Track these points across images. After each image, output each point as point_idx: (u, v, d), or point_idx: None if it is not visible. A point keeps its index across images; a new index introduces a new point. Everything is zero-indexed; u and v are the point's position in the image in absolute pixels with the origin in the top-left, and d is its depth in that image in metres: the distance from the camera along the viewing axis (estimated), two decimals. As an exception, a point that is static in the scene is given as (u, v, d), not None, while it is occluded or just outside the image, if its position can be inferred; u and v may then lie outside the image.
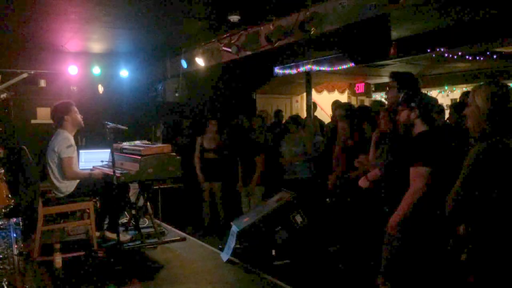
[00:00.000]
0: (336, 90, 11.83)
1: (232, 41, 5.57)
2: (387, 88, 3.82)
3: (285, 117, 8.95)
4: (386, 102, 4.64)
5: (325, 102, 10.86)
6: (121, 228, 5.06)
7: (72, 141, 4.74)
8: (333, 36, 4.76)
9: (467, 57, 7.97)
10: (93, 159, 5.47)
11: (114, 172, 4.42)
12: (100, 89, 7.79)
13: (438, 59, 8.29)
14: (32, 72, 7.03)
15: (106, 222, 5.09)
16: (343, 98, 11.47)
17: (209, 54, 6.17)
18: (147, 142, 5.44)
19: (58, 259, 4.36)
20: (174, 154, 4.95)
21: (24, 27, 5.55)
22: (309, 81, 9.43)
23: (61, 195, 4.70)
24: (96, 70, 7.49)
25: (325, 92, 11.82)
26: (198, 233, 5.97)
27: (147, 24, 5.51)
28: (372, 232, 3.56)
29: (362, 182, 3.82)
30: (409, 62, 8.66)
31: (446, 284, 2.79)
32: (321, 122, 7.58)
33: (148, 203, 5.27)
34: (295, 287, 3.97)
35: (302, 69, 8.80)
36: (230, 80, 8.69)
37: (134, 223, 5.22)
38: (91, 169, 5.09)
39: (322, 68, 8.64)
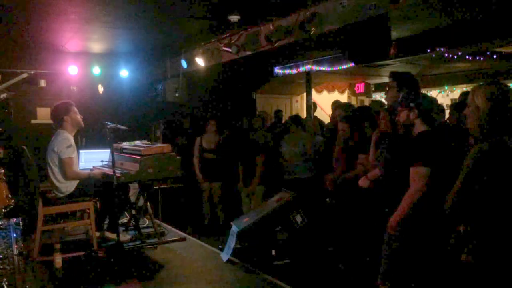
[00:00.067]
0: (336, 90, 11.84)
1: (232, 41, 5.57)
2: (387, 88, 3.81)
3: (285, 117, 8.96)
4: (386, 102, 4.65)
5: (325, 102, 10.86)
6: (121, 228, 5.06)
7: (72, 141, 4.74)
8: (333, 36, 4.76)
9: (467, 57, 7.97)
10: (93, 159, 5.47)
11: (114, 172, 4.42)
12: (100, 89, 7.79)
13: (438, 59, 8.29)
14: (32, 72, 7.04)
15: (106, 222, 5.10)
16: (343, 98, 11.47)
17: (209, 54, 6.17)
18: (147, 142, 5.44)
19: (58, 259, 4.36)
20: (174, 154, 4.96)
21: (24, 27, 5.55)
22: (309, 81, 9.43)
23: (61, 195, 4.70)
24: (96, 70, 7.49)
25: (325, 92, 11.82)
26: (198, 233, 5.97)
27: (147, 24, 5.51)
28: (372, 232, 3.56)
29: (363, 182, 3.83)
30: (409, 62, 8.66)
31: (446, 284, 2.79)
32: (321, 122, 7.59)
33: (148, 203, 5.28)
34: (295, 287, 3.97)
35: (302, 69, 8.80)
36: (230, 80, 8.69)
37: (134, 223, 5.23)
38: (91, 169, 5.10)
39: (322, 68, 8.64)
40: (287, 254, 4.66)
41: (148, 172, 4.68)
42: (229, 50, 5.51)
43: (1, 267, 3.39)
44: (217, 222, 6.41)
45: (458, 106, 4.84)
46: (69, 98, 5.67)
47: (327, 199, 4.92)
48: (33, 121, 7.59)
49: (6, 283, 3.36)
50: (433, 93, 10.99)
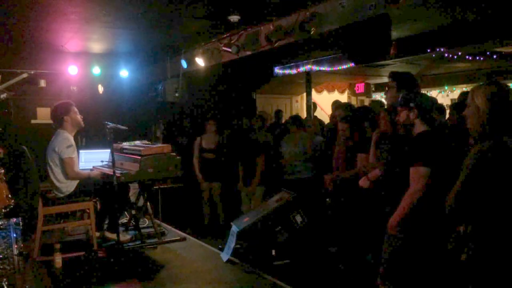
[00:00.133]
0: (336, 90, 11.84)
1: (232, 41, 5.57)
2: (386, 88, 3.82)
3: (285, 117, 8.96)
4: (386, 102, 4.65)
5: (325, 102, 10.86)
6: (121, 228, 5.06)
7: (72, 141, 4.74)
8: (333, 36, 4.75)
9: (467, 57, 7.97)
10: (93, 159, 5.47)
11: (114, 172, 4.42)
12: (100, 89, 7.79)
13: (438, 59, 8.29)
14: (32, 72, 7.04)
15: (106, 222, 5.10)
16: (343, 98, 11.48)
17: (209, 54, 6.16)
18: (147, 142, 5.44)
19: (58, 259, 4.36)
20: (174, 154, 4.96)
21: (24, 27, 5.55)
22: (309, 81, 9.43)
23: (61, 195, 4.70)
24: (96, 70, 7.49)
25: (325, 92, 11.82)
26: (198, 233, 5.97)
27: (147, 24, 5.51)
28: (372, 232, 3.56)
29: (363, 182, 3.82)
30: (409, 62, 8.66)
31: (446, 284, 2.79)
32: (321, 122, 7.58)
33: (148, 203, 5.28)
34: (295, 287, 3.97)
35: (302, 69, 8.80)
36: (230, 80, 8.68)
37: (134, 223, 5.23)
38: (91, 169, 5.10)
39: (322, 68, 8.64)
40: (287, 254, 4.66)
41: (148, 172, 4.68)
42: (229, 50, 5.51)
43: (1, 267, 3.40)
44: (217, 222, 6.41)
45: (457, 106, 4.84)
46: (69, 98, 5.67)
47: (327, 199, 4.92)
48: (33, 121, 7.59)
49: (6, 283, 3.36)
50: (433, 93, 10.99)
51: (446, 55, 7.59)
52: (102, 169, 4.98)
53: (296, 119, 5.86)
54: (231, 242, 4.69)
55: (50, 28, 5.66)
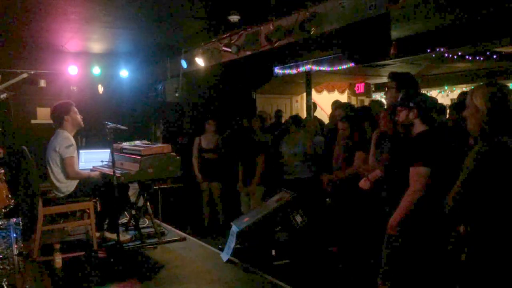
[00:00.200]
0: (336, 90, 11.84)
1: (232, 41, 5.57)
2: (386, 89, 3.82)
3: (285, 117, 8.96)
4: (386, 102, 4.65)
5: (325, 102, 10.87)
6: (121, 228, 5.06)
7: (73, 141, 4.74)
8: (333, 36, 4.76)
9: (467, 57, 7.97)
10: (93, 159, 5.47)
11: (114, 172, 4.42)
12: (100, 89, 7.79)
13: (438, 59, 8.29)
14: (32, 72, 7.04)
15: (106, 222, 5.10)
16: (343, 98, 11.48)
17: (209, 54, 6.17)
18: (147, 142, 5.44)
19: (58, 259, 4.36)
20: (174, 154, 4.96)
21: (24, 27, 5.55)
22: (309, 81, 9.44)
23: (61, 195, 4.70)
24: (96, 70, 7.49)
25: (325, 92, 11.82)
26: (198, 233, 5.96)
27: (147, 24, 5.51)
28: (372, 232, 3.56)
29: (363, 183, 3.82)
30: (409, 62, 8.66)
31: (446, 284, 2.79)
32: (321, 122, 7.58)
33: (148, 203, 5.28)
34: (295, 287, 3.97)
35: (302, 69, 8.80)
36: (230, 80, 8.68)
37: (134, 223, 5.23)
38: (91, 169, 5.10)
39: (322, 68, 8.65)
40: (287, 254, 4.66)
41: (148, 172, 4.68)
42: (229, 50, 5.51)
43: (1, 267, 3.40)
44: (217, 222, 6.41)
45: (457, 106, 4.84)
46: (69, 98, 5.66)
47: (327, 199, 4.93)
48: (33, 121, 7.59)
49: (6, 283, 3.36)
50: (433, 93, 10.99)
51: (446, 55, 7.59)
52: (102, 169, 4.98)
53: (296, 119, 5.86)
54: (231, 242, 4.69)
55: (50, 28, 5.66)
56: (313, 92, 10.25)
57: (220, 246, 5.03)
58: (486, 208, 2.15)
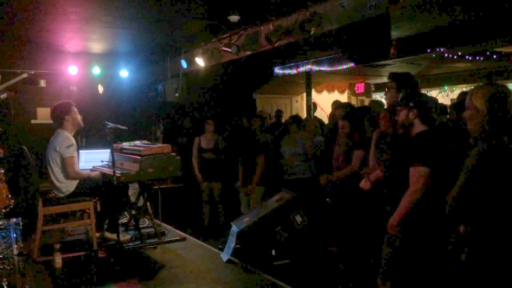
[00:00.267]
0: (336, 90, 11.84)
1: (232, 41, 5.57)
2: (386, 89, 3.82)
3: (285, 117, 8.96)
4: (386, 103, 4.65)
5: (325, 102, 10.87)
6: (121, 228, 5.06)
7: (73, 141, 4.74)
8: (333, 36, 4.76)
9: (467, 57, 7.98)
10: (93, 159, 5.47)
11: (114, 172, 4.42)
12: (100, 89, 7.79)
13: (438, 59, 8.29)
14: (32, 72, 7.05)
15: (106, 222, 5.09)
16: (343, 98, 11.49)
17: (209, 54, 6.17)
18: (147, 142, 5.44)
19: (58, 259, 4.36)
20: (174, 154, 4.96)
21: (24, 27, 5.55)
22: (309, 81, 9.44)
23: (61, 195, 4.70)
24: (96, 70, 7.49)
25: (325, 92, 11.83)
26: (198, 233, 5.97)
27: (147, 24, 5.51)
28: (372, 232, 3.56)
29: (364, 184, 3.82)
30: (409, 62, 8.66)
31: (446, 284, 2.79)
32: (321, 122, 7.59)
33: (148, 203, 5.27)
34: (295, 287, 3.97)
35: (302, 69, 8.81)
36: (230, 80, 8.69)
37: (134, 223, 5.22)
38: (91, 169, 5.10)
39: (322, 68, 8.65)
40: (287, 254, 4.66)
41: (148, 172, 4.68)
42: (229, 50, 5.51)
43: (1, 267, 3.40)
44: (217, 222, 6.41)
45: (457, 106, 4.85)
46: (69, 98, 5.66)
47: (327, 199, 4.93)
48: (33, 121, 7.59)
49: (6, 283, 3.36)
50: (433, 93, 11.00)
51: (446, 55, 7.59)
52: (102, 169, 4.97)
53: (296, 119, 5.86)
54: (231, 242, 4.69)
55: (50, 28, 5.66)
56: (313, 92, 10.25)
57: (220, 246, 5.03)
58: (486, 208, 2.15)
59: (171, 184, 6.97)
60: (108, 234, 5.03)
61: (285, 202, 4.82)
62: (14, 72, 6.86)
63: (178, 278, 4.19)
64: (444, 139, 2.97)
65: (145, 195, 5.22)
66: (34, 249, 4.53)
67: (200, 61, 6.32)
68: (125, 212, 5.66)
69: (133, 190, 5.56)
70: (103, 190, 4.78)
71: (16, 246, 3.46)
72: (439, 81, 10.80)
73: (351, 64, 7.56)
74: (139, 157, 4.70)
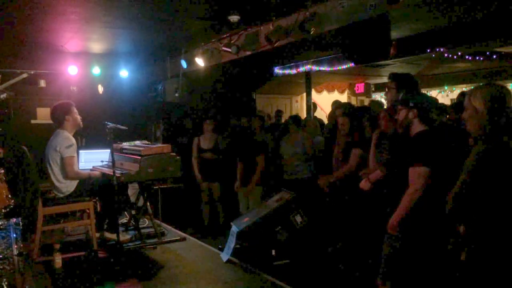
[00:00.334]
0: (336, 90, 11.85)
1: (232, 41, 5.57)
2: (386, 89, 3.82)
3: (284, 117, 8.97)
4: (386, 103, 4.65)
5: (325, 102, 10.88)
6: (121, 228, 5.06)
7: (73, 141, 4.75)
8: (333, 36, 4.76)
9: (467, 57, 7.98)
10: (93, 159, 5.47)
11: (114, 172, 4.42)
12: (100, 89, 7.79)
13: (438, 59, 8.29)
14: (32, 72, 7.05)
15: (106, 222, 5.10)
16: (343, 98, 11.49)
17: (209, 54, 6.17)
18: (147, 142, 5.44)
19: (58, 259, 4.36)
20: (174, 154, 4.96)
21: (24, 27, 5.55)
22: (309, 81, 9.44)
23: (61, 195, 4.70)
24: (96, 70, 7.49)
25: (325, 92, 11.83)
26: (198, 233, 5.97)
27: (147, 24, 5.51)
28: (372, 232, 3.56)
29: (364, 184, 3.82)
30: (409, 62, 8.67)
31: (446, 284, 2.79)
32: (321, 122, 7.59)
33: (148, 203, 5.28)
34: (295, 287, 3.97)
35: (302, 69, 8.81)
36: (230, 80, 8.68)
37: (134, 223, 5.23)
38: (90, 169, 5.10)
39: (322, 68, 8.65)
40: (287, 254, 4.66)
41: (148, 172, 4.68)
42: (229, 50, 5.50)
43: (1, 267, 3.40)
44: (217, 222, 6.41)
45: (457, 106, 4.85)
46: (69, 98, 5.66)
47: (327, 199, 4.92)
48: (33, 121, 7.59)
49: (6, 283, 3.36)
50: (433, 93, 11.00)
51: (446, 55, 7.59)
52: (102, 169, 4.98)
53: (295, 119, 5.86)
54: (231, 242, 4.69)
55: (50, 28, 5.66)
56: (313, 92, 10.26)
57: (220, 246, 5.03)
58: (486, 208, 2.15)
59: (171, 184, 6.97)
60: (108, 234, 5.03)
61: (285, 202, 4.82)
62: (14, 72, 6.86)
63: (178, 278, 4.19)
64: (444, 139, 2.97)
65: (145, 195, 5.23)
66: (34, 249, 4.53)
67: (200, 61, 6.31)
68: (125, 212, 5.66)
69: (133, 190, 5.57)
70: (103, 190, 4.78)
71: (16, 246, 3.46)
72: (439, 81, 10.80)
73: (351, 64, 7.56)
74: (139, 157, 4.70)
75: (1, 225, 3.45)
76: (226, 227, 5.37)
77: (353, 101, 11.73)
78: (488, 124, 2.17)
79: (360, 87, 11.74)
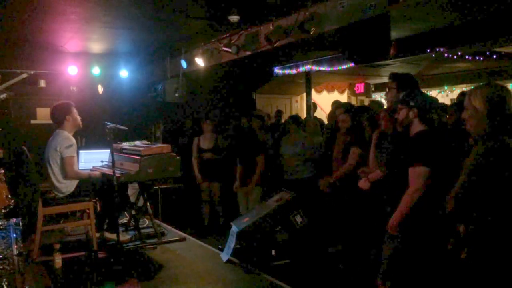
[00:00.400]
0: (336, 90, 11.85)
1: (232, 41, 5.57)
2: (387, 89, 3.82)
3: (284, 117, 8.97)
4: (386, 103, 4.65)
5: (325, 102, 10.87)
6: (121, 228, 5.06)
7: (73, 141, 4.75)
8: (333, 36, 4.76)
9: (467, 57, 7.98)
10: (93, 159, 5.47)
11: (114, 172, 4.42)
12: (100, 89, 7.79)
13: (438, 59, 8.29)
14: (32, 72, 7.04)
15: (106, 222, 5.10)
16: (343, 98, 11.49)
17: (209, 54, 6.17)
18: (147, 142, 5.44)
19: (58, 259, 4.36)
20: (174, 154, 4.96)
21: (24, 27, 5.55)
22: (309, 81, 9.44)
23: (61, 195, 4.70)
24: (96, 70, 7.49)
25: (325, 92, 11.83)
26: (198, 233, 5.96)
27: (147, 24, 5.51)
28: (372, 232, 3.56)
29: (363, 184, 3.82)
30: (409, 62, 8.67)
31: (446, 284, 2.79)
32: (321, 122, 7.59)
33: (148, 203, 5.28)
34: (295, 287, 3.97)
35: (302, 69, 8.81)
36: (230, 80, 8.68)
37: (134, 223, 5.23)
38: (90, 169, 5.10)
39: (322, 68, 8.65)
40: (287, 254, 4.66)
41: (148, 172, 4.68)
42: (229, 50, 5.50)
43: (1, 267, 3.39)
44: (217, 222, 6.41)
45: (456, 106, 4.84)
46: (69, 98, 5.66)
47: (327, 199, 4.92)
48: (33, 121, 7.59)
49: (6, 283, 3.36)
50: (433, 93, 11.00)
51: (446, 55, 7.59)
52: (102, 169, 4.98)
53: (295, 119, 5.86)
54: (231, 242, 4.69)
55: (50, 28, 5.66)
56: (313, 92, 10.26)
57: (220, 246, 5.03)
58: (487, 208, 2.15)
59: (171, 184, 6.98)
60: (108, 234, 5.03)
61: (285, 202, 4.82)
62: (14, 72, 6.86)
63: (178, 278, 4.19)
64: (443, 139, 2.97)
65: (145, 195, 5.22)
66: (34, 249, 4.53)
67: (200, 61, 6.31)
68: (125, 212, 5.66)
69: (133, 190, 5.56)
70: (103, 190, 4.78)
71: (16, 246, 3.46)
72: (439, 81, 10.80)
73: (351, 64, 7.56)
74: (139, 157, 4.70)
75: (1, 225, 3.44)
76: (226, 227, 5.37)
77: (353, 101, 11.73)
78: (488, 124, 2.17)
79: (360, 87, 11.74)
